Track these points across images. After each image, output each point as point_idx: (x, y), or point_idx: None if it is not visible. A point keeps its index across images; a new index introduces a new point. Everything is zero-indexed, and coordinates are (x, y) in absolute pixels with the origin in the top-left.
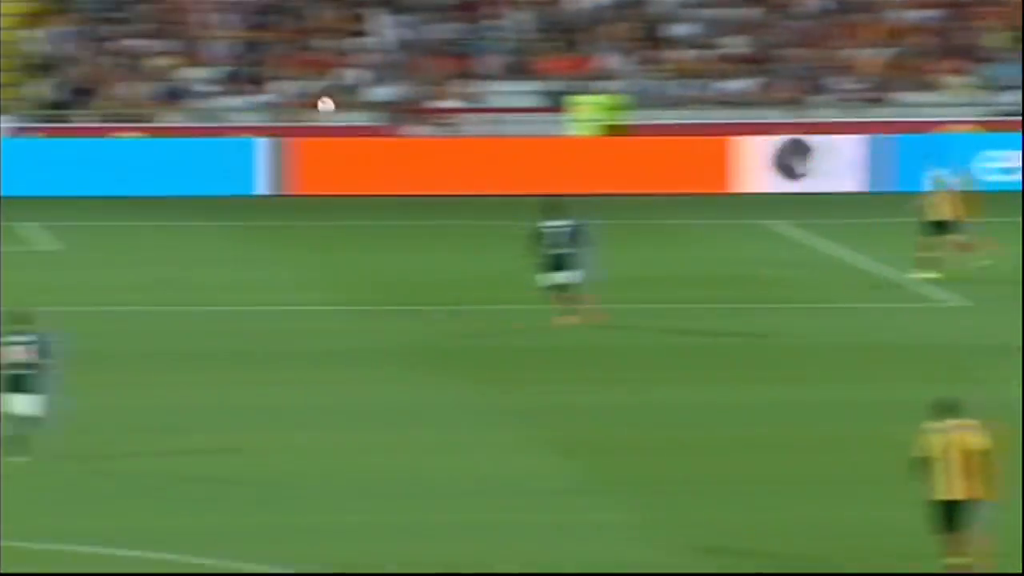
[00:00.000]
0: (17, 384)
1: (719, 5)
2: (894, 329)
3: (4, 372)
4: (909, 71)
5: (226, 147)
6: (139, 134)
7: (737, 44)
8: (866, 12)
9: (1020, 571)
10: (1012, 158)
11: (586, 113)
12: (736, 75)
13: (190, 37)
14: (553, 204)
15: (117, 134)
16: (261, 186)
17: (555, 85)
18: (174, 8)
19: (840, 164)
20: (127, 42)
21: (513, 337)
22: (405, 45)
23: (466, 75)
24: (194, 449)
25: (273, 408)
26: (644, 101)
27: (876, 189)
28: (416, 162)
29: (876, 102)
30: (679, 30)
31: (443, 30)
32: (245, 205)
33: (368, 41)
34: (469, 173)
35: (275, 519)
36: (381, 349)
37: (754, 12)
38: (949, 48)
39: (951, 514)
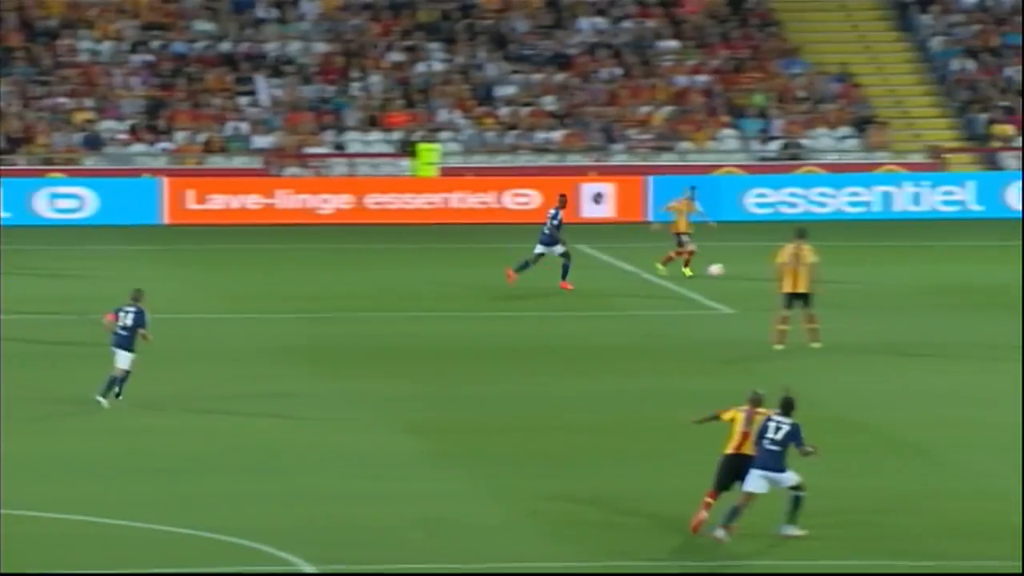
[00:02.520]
0: (121, 343)
1: (533, 72)
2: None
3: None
4: (687, 125)
5: (134, 185)
6: (64, 175)
7: (548, 103)
8: (651, 77)
9: (1020, 571)
10: (771, 195)
11: (427, 157)
12: (547, 128)
13: (105, 96)
14: None
15: (47, 175)
16: (162, 217)
17: (402, 135)
18: (92, 72)
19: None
20: (54, 100)
21: (389, 339)
22: (281, 102)
23: (331, 127)
24: None
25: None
26: (472, 148)
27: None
28: (287, 197)
29: (662, 150)
30: (502, 91)
31: (312, 90)
32: (151, 233)
33: (251, 99)
34: (334, 206)
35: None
36: (264, 348)
37: (560, 76)
38: (718, 106)
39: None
